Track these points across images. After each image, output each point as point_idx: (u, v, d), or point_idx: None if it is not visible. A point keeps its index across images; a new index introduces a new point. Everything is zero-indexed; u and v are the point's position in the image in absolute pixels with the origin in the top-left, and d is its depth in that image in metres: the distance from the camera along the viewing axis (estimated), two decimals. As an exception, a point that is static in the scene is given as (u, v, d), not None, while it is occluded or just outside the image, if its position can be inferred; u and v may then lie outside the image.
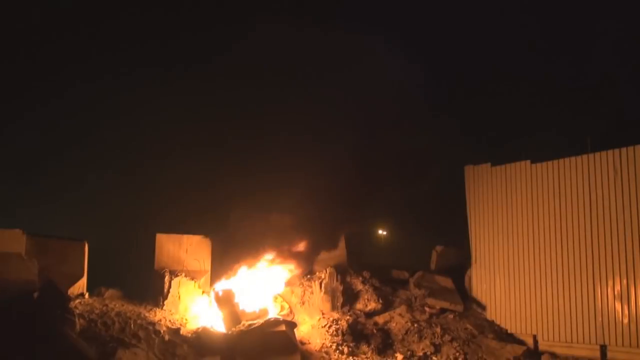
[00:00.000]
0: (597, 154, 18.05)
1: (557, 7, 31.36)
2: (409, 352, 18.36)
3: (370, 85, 23.66)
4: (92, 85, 27.62)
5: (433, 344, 18.62)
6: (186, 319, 18.27)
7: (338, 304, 20.21)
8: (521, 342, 19.06)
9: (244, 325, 17.82)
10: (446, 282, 21.32)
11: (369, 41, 24.84)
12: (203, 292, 19.41)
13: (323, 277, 20.44)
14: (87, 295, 18.05)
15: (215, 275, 20.22)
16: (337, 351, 17.97)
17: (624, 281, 17.16)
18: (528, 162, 19.83)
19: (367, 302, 20.44)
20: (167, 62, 27.52)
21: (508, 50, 32.16)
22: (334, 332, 18.70)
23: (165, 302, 18.57)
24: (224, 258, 20.42)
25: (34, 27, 27.76)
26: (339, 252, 21.75)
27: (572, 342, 18.09)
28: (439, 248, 22.65)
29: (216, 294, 18.76)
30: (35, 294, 15.84)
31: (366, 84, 23.73)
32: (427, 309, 20.30)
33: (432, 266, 22.47)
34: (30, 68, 27.18)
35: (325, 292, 20.18)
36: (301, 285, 20.70)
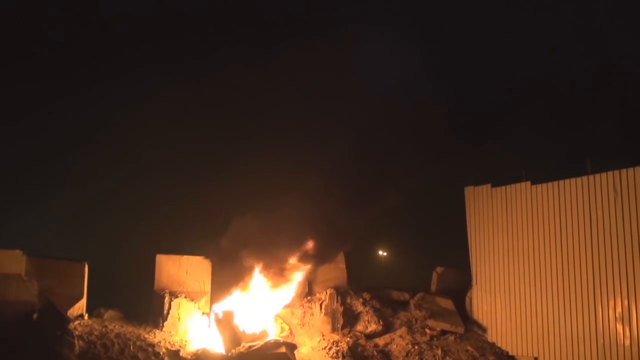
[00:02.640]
0: (597, 175, 18.09)
1: (556, 27, 31.66)
2: (409, 375, 18.30)
3: (372, 104, 23.72)
4: (92, 105, 27.82)
5: (434, 366, 18.54)
6: (186, 341, 18.17)
7: (338, 325, 20.12)
8: (523, 365, 19.00)
9: (243, 347, 17.73)
10: (447, 303, 21.24)
11: (368, 55, 24.99)
12: (203, 313, 19.33)
13: (323, 298, 20.38)
14: (86, 317, 17.95)
15: (215, 296, 20.14)
16: (338, 373, 17.92)
17: (625, 302, 17.10)
18: (528, 183, 19.87)
19: (368, 324, 20.34)
20: (164, 80, 27.63)
21: (509, 70, 32.41)
22: (334, 354, 18.60)
23: (165, 324, 18.47)
24: (224, 279, 20.37)
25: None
26: (339, 273, 21.70)
27: (574, 364, 18.00)
28: (439, 269, 22.58)
29: (216, 316, 18.67)
30: (35, 315, 15.82)
31: (370, 101, 23.78)
32: (427, 330, 20.21)
33: (433, 287, 22.39)
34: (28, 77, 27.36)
35: (325, 314, 20.10)
36: (301, 307, 20.63)
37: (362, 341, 19.62)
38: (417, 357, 18.89)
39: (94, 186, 26.56)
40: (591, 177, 18.23)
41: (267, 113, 25.71)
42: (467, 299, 21.34)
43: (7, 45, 27.33)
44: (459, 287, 21.72)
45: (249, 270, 20.54)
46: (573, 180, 18.68)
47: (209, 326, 18.93)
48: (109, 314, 18.48)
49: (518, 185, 20.14)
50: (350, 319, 20.48)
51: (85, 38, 28.55)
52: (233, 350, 17.68)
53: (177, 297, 18.98)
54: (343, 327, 20.12)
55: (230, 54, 27.68)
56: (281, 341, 18.35)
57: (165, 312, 18.66)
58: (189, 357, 17.08)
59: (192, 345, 18.02)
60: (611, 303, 17.38)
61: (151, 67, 27.59)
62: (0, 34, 27.30)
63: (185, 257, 19.89)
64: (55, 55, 27.98)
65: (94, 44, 28.42)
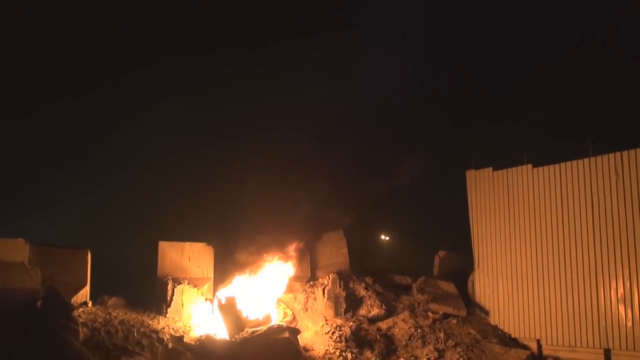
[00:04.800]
0: (599, 158, 18.05)
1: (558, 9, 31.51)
2: (412, 358, 18.35)
3: (371, 88, 23.66)
4: (94, 94, 27.78)
5: (437, 349, 18.60)
6: (189, 327, 18.27)
7: (341, 310, 20.22)
8: (525, 347, 19.02)
9: (247, 332, 17.81)
10: (449, 287, 21.29)
11: (367, 42, 24.93)
12: (206, 299, 19.43)
13: (326, 283, 20.46)
14: (90, 304, 18.06)
15: (218, 282, 20.23)
16: (341, 357, 17.95)
17: (627, 284, 17.13)
18: (530, 166, 19.83)
19: (370, 308, 20.43)
20: (169, 72, 27.64)
21: (510, 54, 32.25)
22: (338, 339, 18.69)
23: (169, 310, 18.57)
24: (227, 265, 20.45)
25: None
26: (342, 258, 21.75)
27: (576, 346, 18.05)
28: (441, 253, 22.62)
29: (219, 301, 18.76)
30: (39, 303, 15.89)
31: (367, 85, 23.72)
32: (430, 314, 20.29)
33: (435, 271, 22.45)
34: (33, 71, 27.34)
35: (328, 299, 20.18)
36: (304, 292, 20.71)
37: (365, 325, 19.72)
38: (419, 341, 18.98)
39: (96, 175, 26.61)
40: (592, 159, 18.20)
41: (267, 99, 25.69)
42: (470, 283, 21.37)
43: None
44: (461, 271, 21.75)
45: (251, 256, 20.60)
46: (574, 162, 18.65)
47: (212, 312, 19.03)
48: (112, 301, 18.59)
49: (519, 168, 20.10)
50: (353, 303, 20.58)
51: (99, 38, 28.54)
52: (237, 336, 17.76)
53: (180, 283, 19.08)
54: (346, 312, 20.22)
55: (228, 55, 27.82)
56: (284, 326, 18.44)
57: (168, 298, 18.76)
58: (193, 343, 17.16)
59: (196, 331, 18.10)
60: (613, 285, 17.42)
61: (153, 64, 27.68)
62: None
63: (188, 244, 19.97)
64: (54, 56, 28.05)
65: (101, 44, 28.40)
